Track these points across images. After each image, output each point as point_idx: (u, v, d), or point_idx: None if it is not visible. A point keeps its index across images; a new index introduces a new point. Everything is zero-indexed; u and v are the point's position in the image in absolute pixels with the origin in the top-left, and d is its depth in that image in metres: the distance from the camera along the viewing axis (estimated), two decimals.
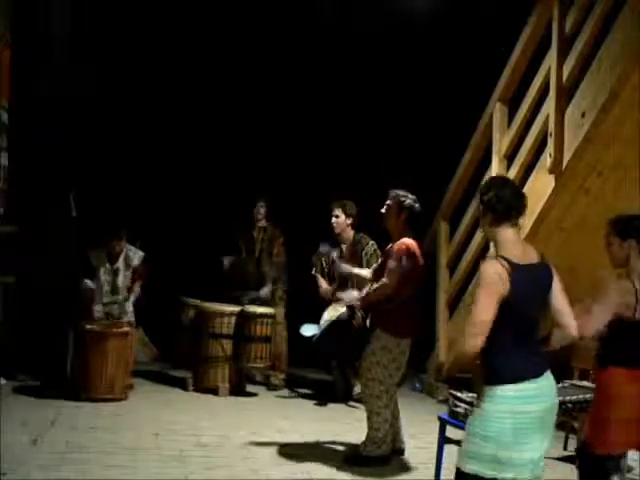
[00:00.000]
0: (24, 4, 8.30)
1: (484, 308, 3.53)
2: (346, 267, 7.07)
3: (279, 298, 8.72)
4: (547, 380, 3.70)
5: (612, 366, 4.47)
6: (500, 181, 3.94)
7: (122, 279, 8.35)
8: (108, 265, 8.33)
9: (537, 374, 3.66)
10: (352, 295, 6.50)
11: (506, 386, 3.58)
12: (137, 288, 8.38)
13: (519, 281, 3.56)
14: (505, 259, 3.60)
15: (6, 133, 7.77)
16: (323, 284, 8.07)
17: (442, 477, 5.57)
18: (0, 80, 7.59)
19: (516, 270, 3.57)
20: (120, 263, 8.35)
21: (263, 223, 8.75)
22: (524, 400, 3.59)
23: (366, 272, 6.79)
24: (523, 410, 3.58)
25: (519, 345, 3.64)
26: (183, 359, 8.53)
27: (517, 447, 3.60)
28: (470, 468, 3.61)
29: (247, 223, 8.81)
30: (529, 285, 3.63)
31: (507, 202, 3.72)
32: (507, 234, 3.72)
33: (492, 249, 7.57)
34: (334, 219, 7.93)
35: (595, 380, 4.55)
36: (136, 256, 8.38)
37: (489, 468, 3.58)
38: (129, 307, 8.32)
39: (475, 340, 3.51)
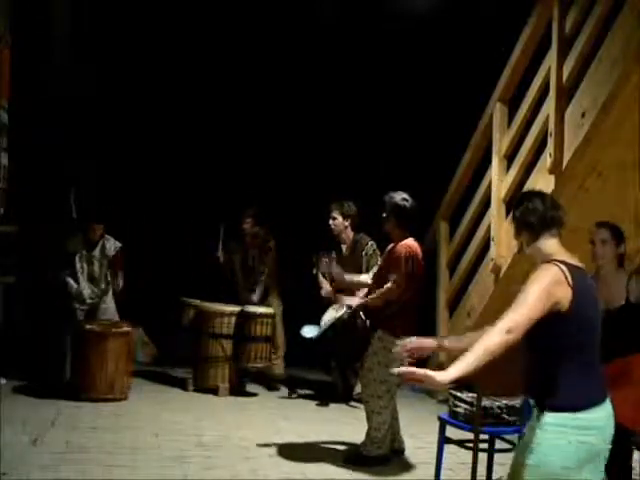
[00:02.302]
0: (24, 4, 8.30)
1: (533, 307, 3.21)
2: (347, 276, 7.04)
3: (273, 297, 8.74)
4: (608, 408, 3.38)
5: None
6: (531, 193, 3.72)
7: (97, 267, 8.32)
8: (84, 252, 8.31)
9: (603, 399, 3.38)
10: (355, 301, 6.53)
11: (571, 414, 3.26)
12: (120, 280, 8.35)
13: (581, 284, 3.31)
14: (561, 262, 3.33)
15: (6, 133, 7.77)
16: (325, 285, 8.04)
17: (442, 477, 5.57)
18: (0, 80, 7.58)
19: (575, 272, 3.31)
20: (96, 251, 8.32)
21: (254, 230, 8.74)
22: (586, 430, 3.28)
23: (365, 277, 6.79)
24: (585, 440, 3.28)
25: (586, 364, 3.34)
26: (183, 359, 8.54)
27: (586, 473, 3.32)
28: None
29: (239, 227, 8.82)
30: (590, 291, 3.39)
31: (540, 212, 3.48)
32: (550, 244, 3.46)
33: (493, 248, 7.60)
34: (331, 221, 7.92)
35: (626, 364, 4.60)
36: (113, 246, 8.35)
37: None
38: (110, 302, 8.34)
39: (510, 335, 3.17)
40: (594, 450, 3.31)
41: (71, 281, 8.24)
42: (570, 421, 3.27)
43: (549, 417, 3.29)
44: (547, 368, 3.33)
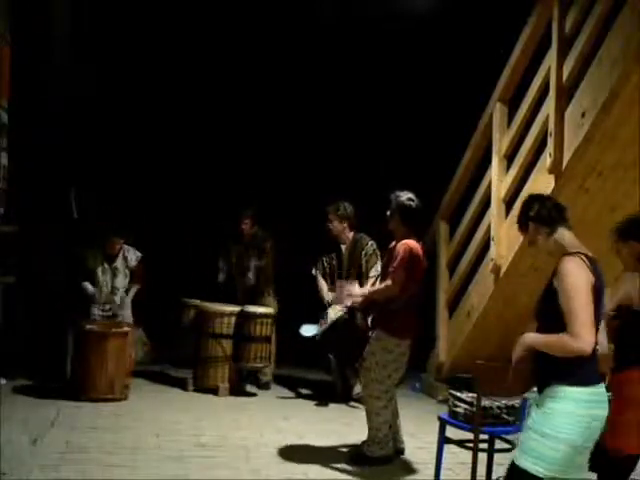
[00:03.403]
0: (24, 4, 8.30)
1: (587, 303, 3.50)
2: (354, 291, 6.92)
3: (270, 298, 8.73)
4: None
5: (628, 367, 4.49)
6: (538, 195, 4.02)
7: (121, 279, 8.37)
8: (106, 265, 8.34)
9: (601, 378, 3.68)
10: (353, 290, 6.54)
11: (585, 388, 3.55)
12: (133, 289, 8.42)
13: (598, 275, 3.60)
14: (581, 253, 3.62)
15: (6, 133, 7.76)
16: (325, 291, 8.01)
17: (442, 477, 5.58)
18: (0, 80, 7.58)
19: (592, 261, 3.61)
20: (119, 263, 8.36)
21: (252, 230, 8.74)
22: (598, 404, 3.58)
23: (368, 289, 6.77)
24: (597, 414, 3.57)
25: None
26: (183, 359, 8.54)
27: (585, 451, 3.62)
28: (530, 466, 3.58)
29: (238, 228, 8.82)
30: (602, 278, 3.66)
31: (554, 207, 3.82)
32: (567, 235, 3.76)
33: (493, 248, 7.59)
34: (329, 224, 7.93)
35: (611, 381, 4.55)
36: (134, 257, 8.39)
37: (551, 470, 3.55)
38: (126, 309, 8.35)
39: (592, 338, 3.47)
40: (600, 423, 3.60)
41: (88, 286, 8.25)
42: (587, 395, 3.54)
43: (568, 390, 3.52)
44: None
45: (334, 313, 7.18)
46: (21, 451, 5.81)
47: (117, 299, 8.37)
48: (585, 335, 3.45)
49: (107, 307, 8.34)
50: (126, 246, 8.41)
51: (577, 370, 3.53)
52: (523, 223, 3.88)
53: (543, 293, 3.73)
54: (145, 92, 9.72)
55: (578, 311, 3.47)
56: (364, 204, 7.92)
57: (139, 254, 8.42)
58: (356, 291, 6.59)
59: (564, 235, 3.75)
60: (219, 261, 8.87)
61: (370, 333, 6.23)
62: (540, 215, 3.79)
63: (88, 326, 7.79)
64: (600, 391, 3.59)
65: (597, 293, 3.59)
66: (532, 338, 3.65)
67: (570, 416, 3.51)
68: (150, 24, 9.64)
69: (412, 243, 6.10)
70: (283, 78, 10.10)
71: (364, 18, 9.85)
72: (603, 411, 3.59)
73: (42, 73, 8.91)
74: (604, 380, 3.69)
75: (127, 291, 8.41)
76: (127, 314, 8.40)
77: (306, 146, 10.04)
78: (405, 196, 6.16)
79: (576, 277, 3.53)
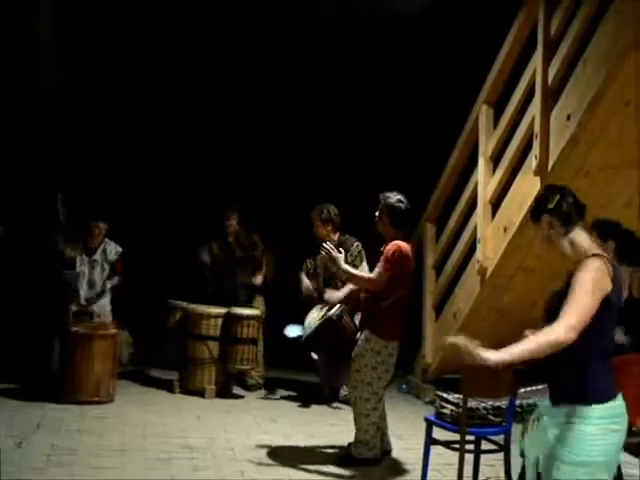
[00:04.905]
0: (22, 4, 8.29)
1: (591, 304, 3.23)
2: (336, 294, 6.95)
3: (256, 298, 8.74)
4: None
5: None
6: (559, 187, 3.60)
7: (98, 272, 8.33)
8: (85, 256, 8.31)
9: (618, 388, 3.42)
10: (336, 294, 6.57)
11: (607, 403, 3.29)
12: (113, 280, 8.43)
13: (617, 282, 3.36)
14: (602, 256, 3.35)
15: None
16: (306, 281, 8.05)
17: (429, 478, 5.58)
18: None
19: (614, 269, 3.35)
20: (97, 256, 8.34)
21: (237, 229, 8.75)
22: (620, 417, 3.33)
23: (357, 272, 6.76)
24: (619, 429, 3.32)
25: (606, 351, 3.40)
26: (170, 361, 8.52)
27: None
28: None
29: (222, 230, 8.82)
30: (620, 282, 3.42)
31: (575, 203, 3.46)
32: (584, 236, 3.45)
33: (479, 249, 7.61)
34: (314, 228, 7.96)
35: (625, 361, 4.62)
36: (114, 250, 8.36)
37: None
38: (104, 302, 8.35)
39: (575, 332, 3.18)
40: (623, 435, 3.35)
41: (68, 272, 8.25)
42: (610, 410, 3.30)
43: (594, 410, 3.27)
44: (577, 357, 3.30)
45: (316, 313, 7.19)
46: (7, 454, 5.77)
47: (94, 295, 8.36)
48: (575, 331, 3.19)
49: (84, 300, 8.34)
50: (107, 240, 8.39)
51: (601, 386, 3.31)
52: (537, 214, 3.53)
53: (560, 293, 3.41)
54: (136, 94, 9.72)
55: (585, 308, 3.23)
56: (352, 205, 7.92)
57: (119, 249, 8.42)
58: (334, 296, 6.63)
59: (581, 236, 3.44)
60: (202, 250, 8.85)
61: (359, 334, 6.24)
62: (560, 209, 3.44)
63: (74, 328, 7.75)
64: (620, 404, 3.34)
65: (616, 296, 3.35)
66: (502, 355, 3.22)
67: (597, 436, 3.26)
68: (150, 25, 9.65)
69: (402, 244, 6.10)
70: (275, 81, 10.11)
71: (358, 21, 9.87)
72: (623, 426, 3.34)
73: (40, 74, 8.92)
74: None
75: (105, 284, 8.38)
76: (104, 305, 8.39)
77: (295, 148, 10.05)
78: (394, 197, 6.15)
79: (598, 278, 3.28)
